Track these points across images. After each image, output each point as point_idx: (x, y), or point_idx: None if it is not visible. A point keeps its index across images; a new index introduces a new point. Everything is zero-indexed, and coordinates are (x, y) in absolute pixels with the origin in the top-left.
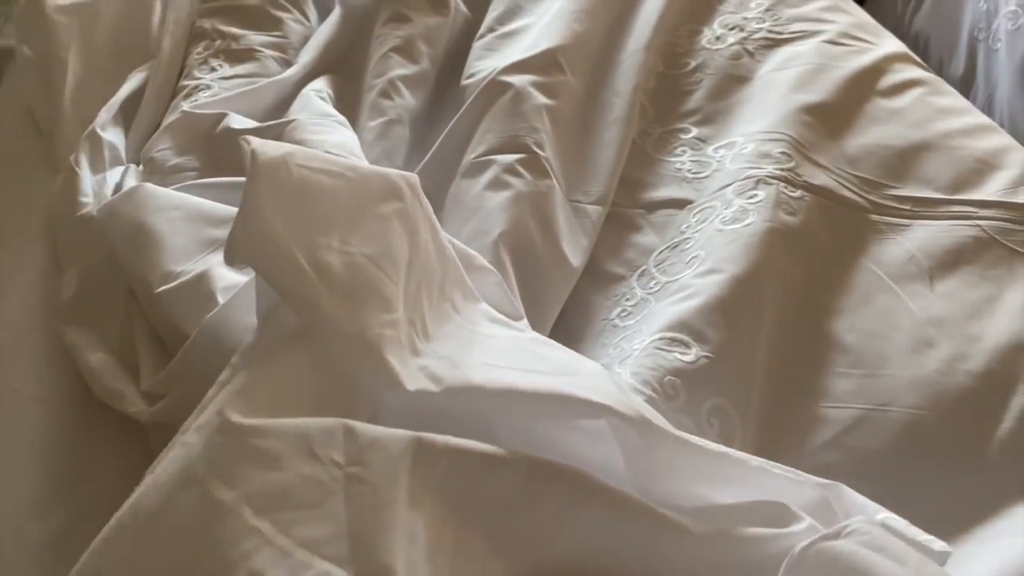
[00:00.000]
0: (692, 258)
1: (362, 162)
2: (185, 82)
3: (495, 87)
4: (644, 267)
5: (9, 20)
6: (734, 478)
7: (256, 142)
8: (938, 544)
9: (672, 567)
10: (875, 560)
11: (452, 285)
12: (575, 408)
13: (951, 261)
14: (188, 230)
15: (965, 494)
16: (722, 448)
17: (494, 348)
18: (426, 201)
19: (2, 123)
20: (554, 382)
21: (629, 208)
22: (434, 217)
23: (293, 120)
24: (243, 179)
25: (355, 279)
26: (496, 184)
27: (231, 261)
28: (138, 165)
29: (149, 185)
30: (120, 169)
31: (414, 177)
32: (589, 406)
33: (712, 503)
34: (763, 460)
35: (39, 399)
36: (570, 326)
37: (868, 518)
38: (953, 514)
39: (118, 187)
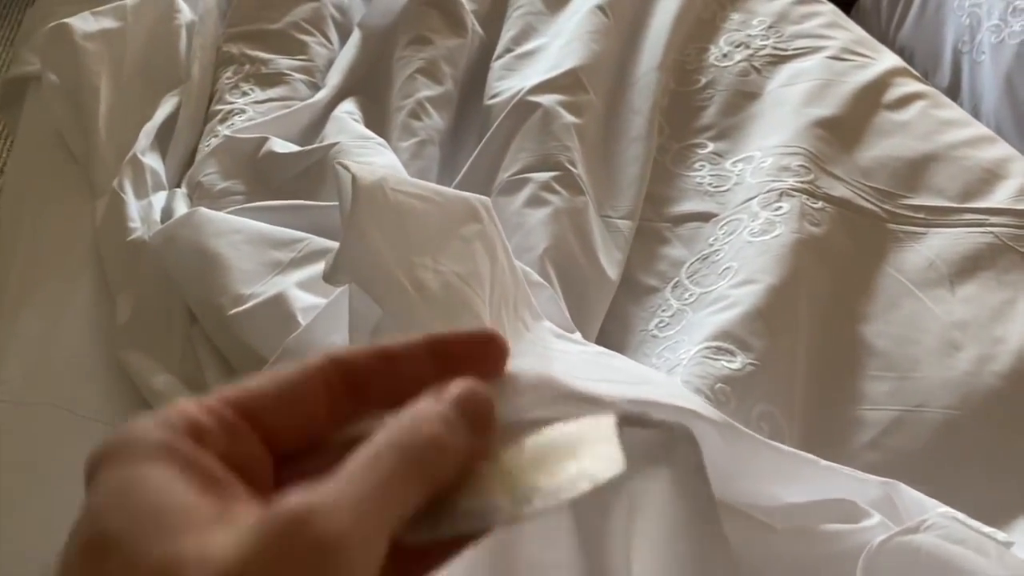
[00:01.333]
0: (725, 269)
1: (442, 186)
2: (218, 106)
3: (524, 107)
4: (677, 279)
5: (25, 46)
6: (805, 478)
7: (355, 168)
8: (1001, 536)
9: (758, 562)
10: (958, 552)
11: (522, 303)
12: (663, 413)
13: (969, 267)
14: (252, 253)
15: (1002, 488)
16: (793, 449)
17: (569, 362)
18: (499, 223)
19: (30, 150)
20: (637, 391)
21: (656, 222)
22: (505, 238)
23: (336, 143)
24: (294, 203)
25: (449, 297)
26: (535, 201)
27: (334, 280)
28: (179, 187)
29: (205, 210)
30: (164, 194)
31: (487, 200)
32: (676, 411)
33: (786, 502)
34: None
35: (99, 420)
36: (610, 338)
37: (945, 512)
38: (993, 508)
39: (165, 211)
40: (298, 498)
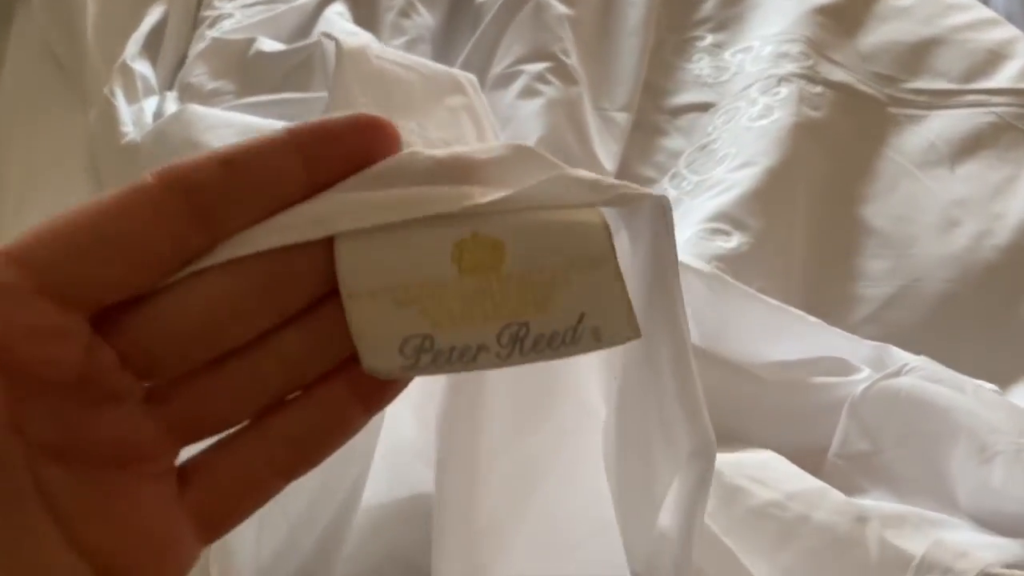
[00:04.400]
0: (723, 156)
1: (426, 60)
2: (206, 12)
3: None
4: (675, 169)
5: None
6: (794, 334)
7: (339, 35)
8: (988, 386)
9: (748, 412)
10: (934, 389)
11: None
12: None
13: (969, 146)
14: None
15: (998, 357)
16: (781, 304)
17: None
18: (485, 100)
19: (20, 65)
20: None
21: (653, 114)
22: (493, 117)
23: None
24: (284, 95)
25: None
26: (527, 92)
27: None
28: (170, 90)
29: (194, 106)
30: (155, 98)
31: (473, 77)
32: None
33: (776, 360)
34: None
35: None
36: None
37: (925, 358)
38: (989, 375)
39: (157, 115)
40: None
